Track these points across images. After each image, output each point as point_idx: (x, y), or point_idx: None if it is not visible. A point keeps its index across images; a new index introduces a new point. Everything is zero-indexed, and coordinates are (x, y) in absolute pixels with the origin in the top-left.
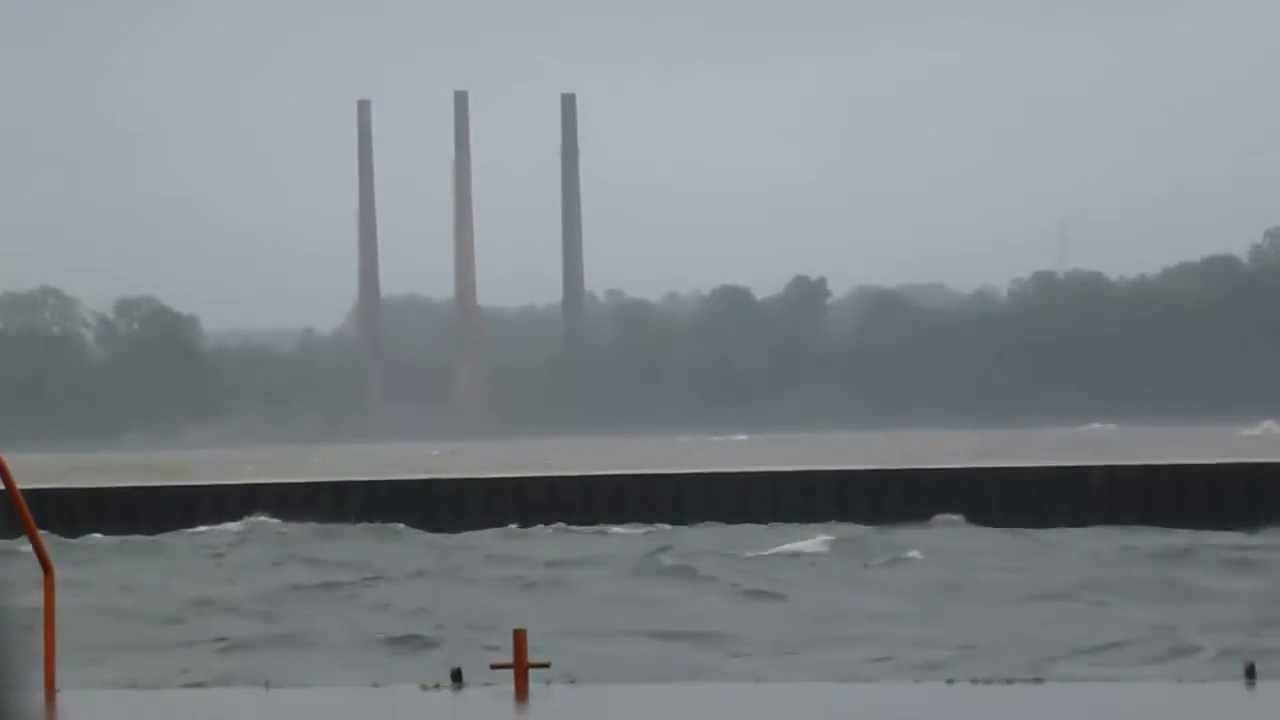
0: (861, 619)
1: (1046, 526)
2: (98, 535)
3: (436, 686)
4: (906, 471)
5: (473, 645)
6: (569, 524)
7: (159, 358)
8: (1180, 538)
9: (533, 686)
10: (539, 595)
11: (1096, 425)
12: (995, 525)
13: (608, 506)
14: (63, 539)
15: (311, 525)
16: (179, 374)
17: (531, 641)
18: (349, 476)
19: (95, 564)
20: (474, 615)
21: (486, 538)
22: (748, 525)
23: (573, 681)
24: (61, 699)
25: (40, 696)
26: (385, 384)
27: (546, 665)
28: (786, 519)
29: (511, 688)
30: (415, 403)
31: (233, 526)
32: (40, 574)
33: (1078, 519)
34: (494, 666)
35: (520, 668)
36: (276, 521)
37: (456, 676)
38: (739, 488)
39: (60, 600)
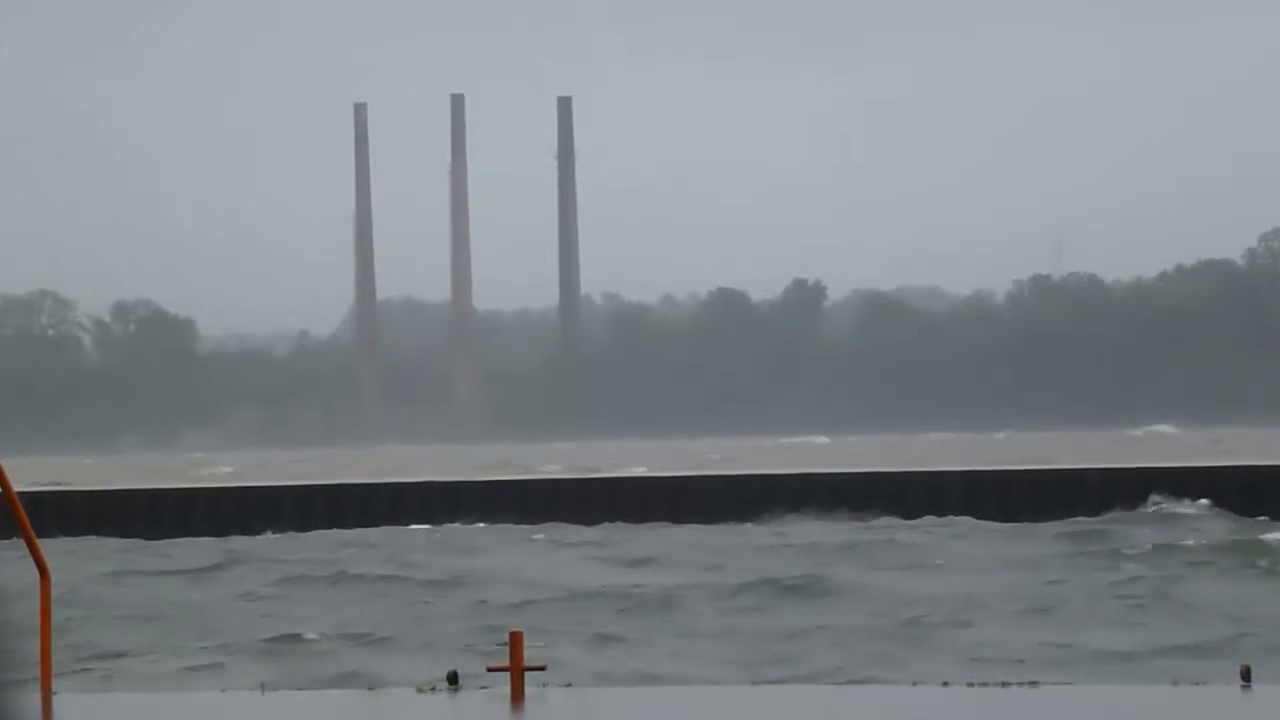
0: None
1: None
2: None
3: (433, 689)
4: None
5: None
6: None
7: (155, 361)
8: None
9: (529, 689)
10: None
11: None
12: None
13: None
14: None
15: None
16: (175, 377)
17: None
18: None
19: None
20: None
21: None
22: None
23: (568, 684)
24: (57, 702)
25: (37, 699)
26: (382, 387)
27: (542, 668)
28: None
29: (508, 690)
30: (412, 405)
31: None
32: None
33: None
34: (490, 669)
35: (516, 670)
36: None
37: (453, 679)
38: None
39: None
